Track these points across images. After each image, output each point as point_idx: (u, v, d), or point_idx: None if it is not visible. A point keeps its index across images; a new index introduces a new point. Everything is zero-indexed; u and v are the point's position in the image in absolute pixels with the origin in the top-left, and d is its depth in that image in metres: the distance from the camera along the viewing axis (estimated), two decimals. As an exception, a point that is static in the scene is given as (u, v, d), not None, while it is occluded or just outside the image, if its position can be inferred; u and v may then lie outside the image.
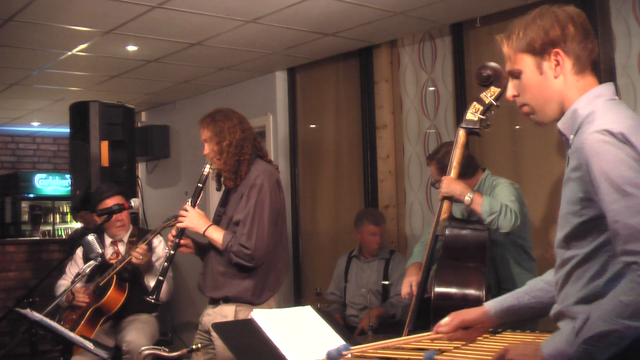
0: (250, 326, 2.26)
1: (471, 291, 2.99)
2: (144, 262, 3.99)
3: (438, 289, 3.02)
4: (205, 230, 3.27)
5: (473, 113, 3.15)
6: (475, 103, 3.16)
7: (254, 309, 2.62)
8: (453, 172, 3.19)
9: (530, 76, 1.83)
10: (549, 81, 1.80)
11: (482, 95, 3.14)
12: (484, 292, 2.98)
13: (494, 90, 3.11)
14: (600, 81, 1.84)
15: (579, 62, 1.79)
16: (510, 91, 1.89)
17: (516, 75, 1.86)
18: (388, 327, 4.39)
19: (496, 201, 3.16)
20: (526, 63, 1.82)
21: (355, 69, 5.45)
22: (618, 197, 1.60)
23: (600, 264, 1.69)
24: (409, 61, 5.11)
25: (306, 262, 5.88)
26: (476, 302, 2.93)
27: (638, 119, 1.71)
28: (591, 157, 1.64)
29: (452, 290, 3.01)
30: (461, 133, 3.18)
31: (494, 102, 3.11)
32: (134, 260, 3.95)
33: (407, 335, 2.86)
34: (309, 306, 2.52)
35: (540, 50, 1.80)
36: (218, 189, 3.48)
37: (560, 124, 1.82)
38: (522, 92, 1.86)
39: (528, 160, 4.38)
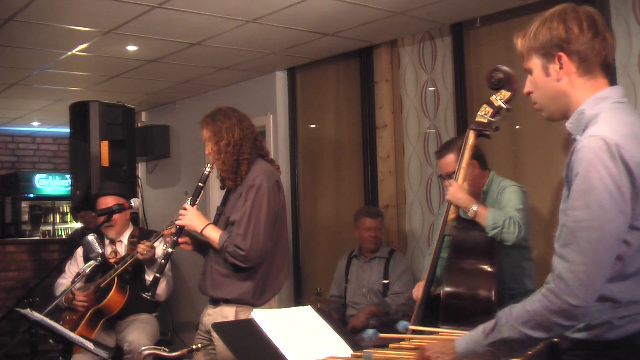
0: (250, 326, 2.26)
1: (481, 292, 3.01)
2: (147, 257, 3.97)
3: (448, 289, 3.03)
4: (203, 229, 3.26)
5: (483, 115, 3.13)
6: (485, 105, 3.15)
7: (254, 309, 2.62)
8: (460, 173, 3.17)
9: (537, 76, 1.87)
10: (553, 83, 1.83)
11: (492, 98, 3.12)
12: (494, 293, 2.99)
13: (504, 94, 3.09)
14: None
15: (585, 64, 1.79)
16: (527, 87, 1.93)
17: (530, 72, 1.89)
18: (387, 325, 4.38)
19: (500, 213, 3.15)
20: (535, 63, 1.86)
21: (355, 69, 5.44)
22: (580, 205, 1.64)
23: None
24: (409, 61, 5.11)
25: (306, 262, 5.88)
26: (486, 302, 2.95)
27: None
28: (581, 160, 1.67)
29: (462, 290, 3.02)
30: (471, 135, 3.16)
31: (504, 106, 3.10)
32: (139, 256, 3.92)
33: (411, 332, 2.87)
34: (309, 306, 2.52)
35: (545, 53, 1.82)
36: (222, 188, 3.48)
37: (568, 124, 1.85)
38: (534, 90, 1.90)
39: (528, 160, 4.38)
